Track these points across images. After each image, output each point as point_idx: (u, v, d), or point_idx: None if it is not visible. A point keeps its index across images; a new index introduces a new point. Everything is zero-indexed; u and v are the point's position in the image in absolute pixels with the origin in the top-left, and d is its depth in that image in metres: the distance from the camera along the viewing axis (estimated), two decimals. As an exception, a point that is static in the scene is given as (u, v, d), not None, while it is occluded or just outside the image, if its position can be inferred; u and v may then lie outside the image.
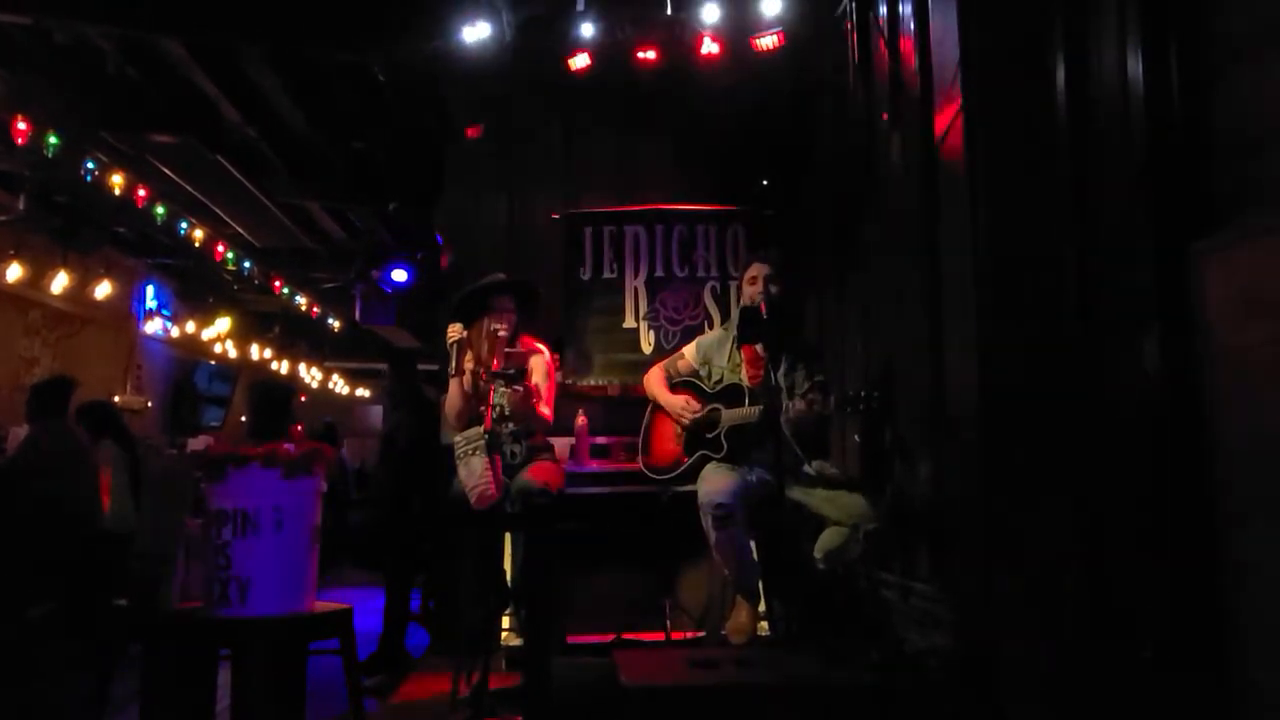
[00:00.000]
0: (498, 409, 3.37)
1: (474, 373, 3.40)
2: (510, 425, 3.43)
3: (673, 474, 3.59)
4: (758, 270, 3.56)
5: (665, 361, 3.86)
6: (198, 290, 11.33)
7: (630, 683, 2.37)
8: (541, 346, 3.67)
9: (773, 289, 3.50)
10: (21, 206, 7.27)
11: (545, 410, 3.51)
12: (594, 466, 4.20)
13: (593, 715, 2.71)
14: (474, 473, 3.18)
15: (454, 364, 3.43)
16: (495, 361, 3.33)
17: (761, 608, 3.48)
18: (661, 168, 5.17)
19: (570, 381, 4.87)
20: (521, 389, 3.37)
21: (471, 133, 5.06)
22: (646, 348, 4.92)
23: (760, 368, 3.42)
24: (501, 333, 3.41)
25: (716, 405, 3.52)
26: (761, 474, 3.33)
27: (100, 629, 3.60)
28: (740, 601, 3.37)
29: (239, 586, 2.57)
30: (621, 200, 5.10)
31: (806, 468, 3.40)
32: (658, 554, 3.75)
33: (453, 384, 3.48)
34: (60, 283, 8.26)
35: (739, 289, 3.96)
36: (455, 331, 3.47)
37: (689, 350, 3.79)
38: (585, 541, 3.91)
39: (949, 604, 2.98)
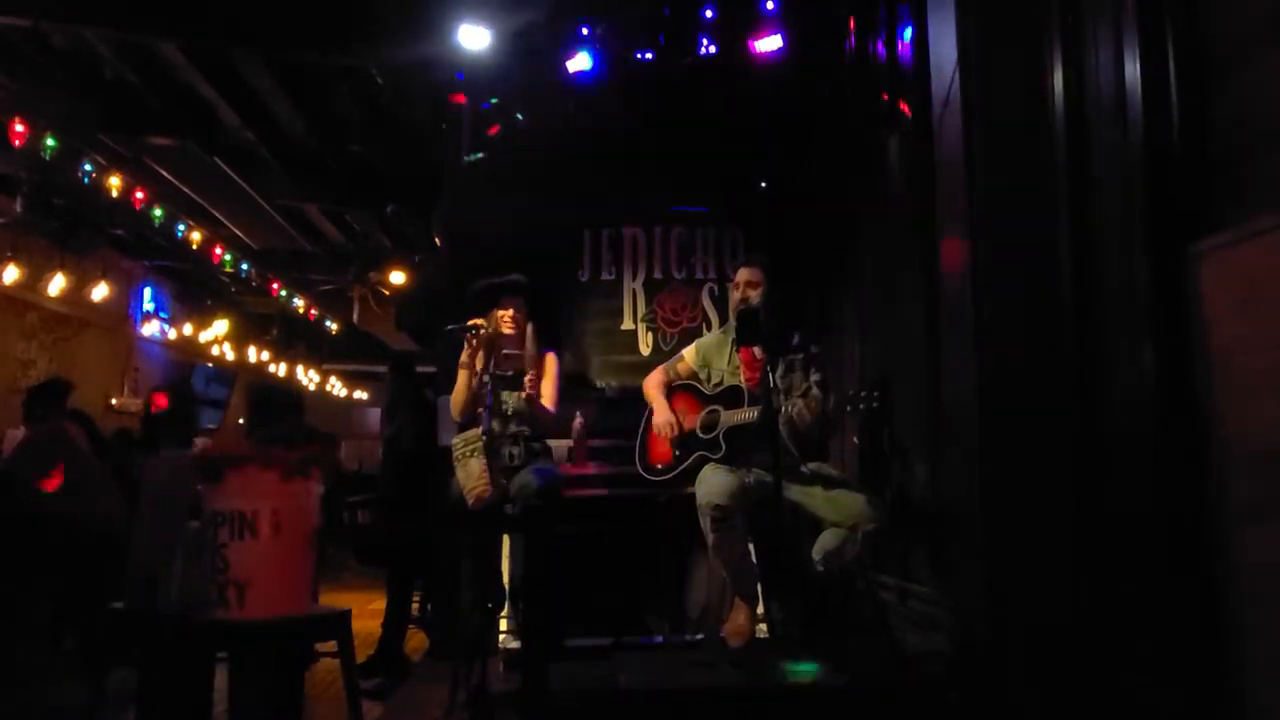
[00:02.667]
0: (503, 409, 3.38)
1: (477, 374, 3.41)
2: (512, 426, 3.43)
3: (671, 475, 3.59)
4: (747, 275, 3.57)
5: (665, 365, 3.86)
6: (195, 292, 11.33)
7: (629, 685, 2.37)
8: (548, 349, 3.69)
9: (752, 294, 3.51)
10: (19, 209, 7.27)
11: (549, 405, 3.54)
12: (592, 468, 4.20)
13: (591, 718, 2.71)
14: (471, 475, 3.18)
15: (467, 354, 3.43)
16: (496, 363, 3.34)
17: (760, 610, 3.48)
18: (660, 169, 5.18)
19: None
20: (524, 391, 3.39)
21: (492, 131, 5.09)
22: (644, 349, 4.92)
23: (758, 369, 3.42)
24: (507, 331, 3.45)
25: (715, 406, 3.52)
26: (760, 475, 3.33)
27: (97, 631, 3.59)
28: (739, 603, 3.37)
29: (236, 589, 2.57)
30: (620, 202, 5.10)
31: (804, 469, 3.40)
32: (656, 556, 3.75)
33: (461, 375, 3.48)
34: (57, 285, 8.26)
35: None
36: (484, 321, 3.50)
37: (689, 352, 3.79)
38: (583, 544, 3.91)
39: (947, 606, 2.98)
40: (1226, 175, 1.89)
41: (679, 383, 3.75)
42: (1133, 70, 2.05)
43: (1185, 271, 1.90)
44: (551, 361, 3.65)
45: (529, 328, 3.58)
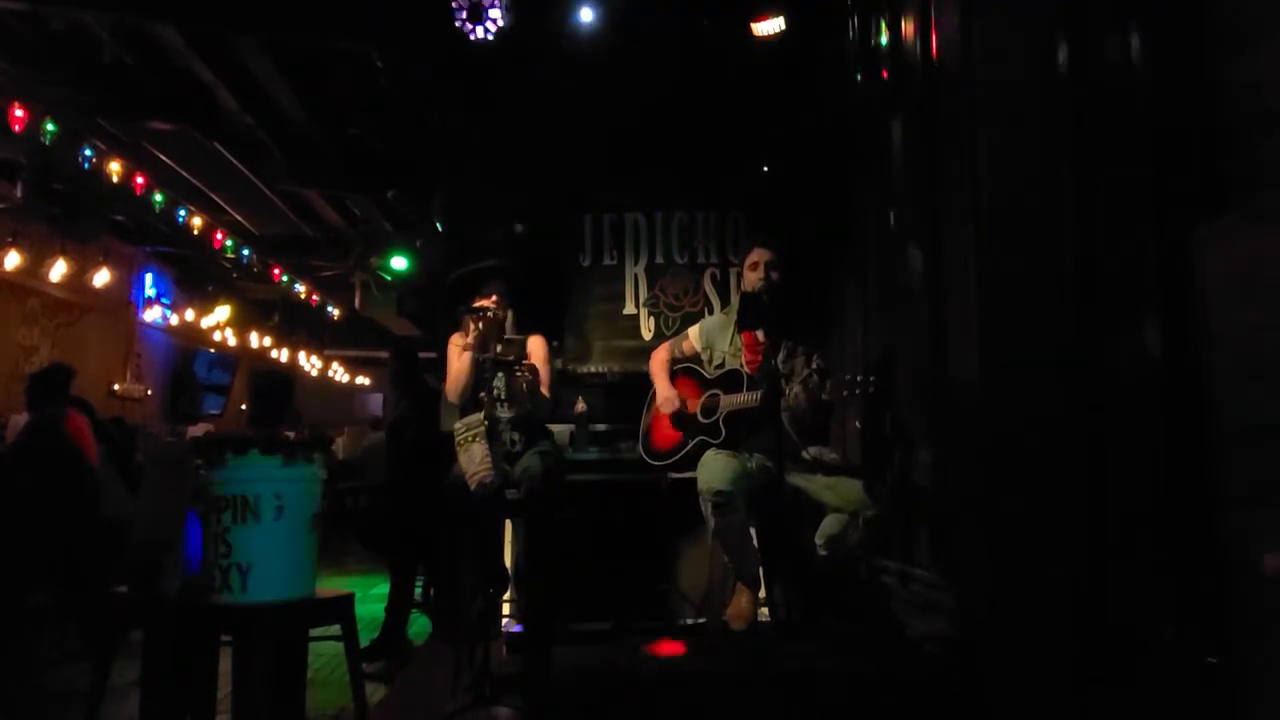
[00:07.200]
0: (497, 393, 3.35)
1: (476, 361, 3.39)
2: (511, 410, 3.41)
3: (672, 460, 3.58)
4: (759, 255, 3.55)
5: (670, 341, 3.86)
6: (197, 278, 11.32)
7: (630, 668, 2.38)
8: (537, 334, 3.66)
9: (774, 274, 3.49)
10: (19, 194, 7.25)
11: (546, 392, 3.50)
12: (594, 453, 4.20)
13: (593, 701, 2.72)
14: (474, 459, 3.17)
15: (472, 337, 3.38)
16: (496, 347, 3.32)
17: (762, 594, 3.48)
18: (662, 154, 5.15)
19: (570, 368, 4.87)
20: (522, 374, 3.36)
21: None
22: (647, 334, 4.92)
23: (760, 353, 3.42)
24: (497, 315, 3.41)
25: (715, 391, 3.52)
26: (761, 460, 3.33)
27: (100, 616, 3.60)
28: (741, 588, 3.37)
29: (239, 573, 2.57)
30: (621, 187, 5.09)
31: (805, 454, 3.39)
32: (658, 540, 3.75)
33: (464, 358, 3.42)
34: (59, 271, 8.26)
35: (739, 274, 3.95)
36: (491, 303, 3.45)
37: (693, 332, 3.79)
38: (585, 528, 3.91)
39: (948, 590, 2.98)
40: (1233, 156, 1.88)
41: (681, 365, 3.74)
42: (1140, 50, 2.03)
43: (1190, 253, 1.89)
44: (538, 344, 3.58)
45: (509, 312, 3.53)
